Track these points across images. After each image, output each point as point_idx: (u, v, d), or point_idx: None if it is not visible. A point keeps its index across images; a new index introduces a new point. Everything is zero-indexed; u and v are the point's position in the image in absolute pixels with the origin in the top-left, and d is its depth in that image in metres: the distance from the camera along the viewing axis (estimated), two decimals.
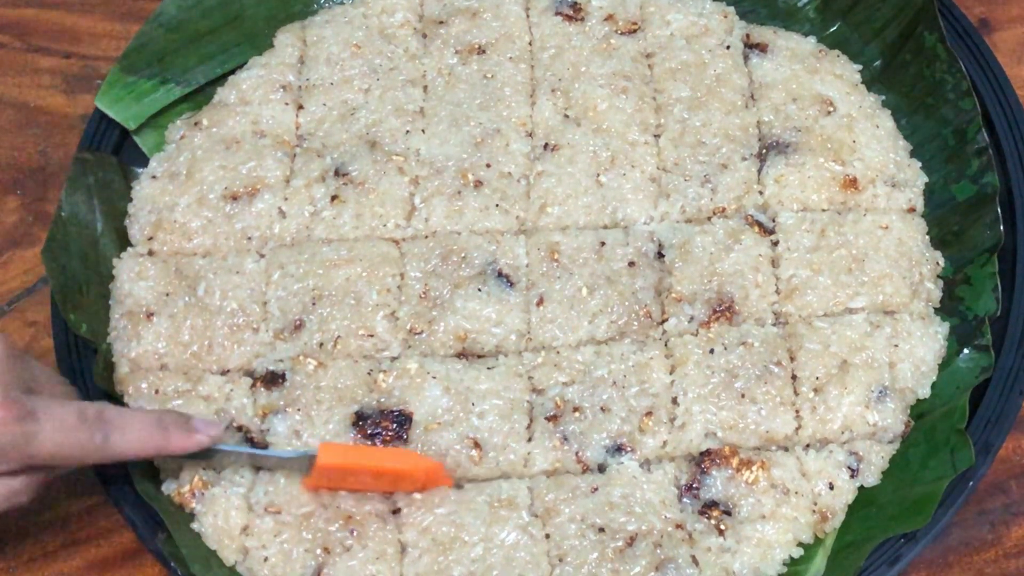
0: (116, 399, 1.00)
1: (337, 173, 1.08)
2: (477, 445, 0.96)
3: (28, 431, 0.82)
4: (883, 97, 1.15)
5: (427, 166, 1.09)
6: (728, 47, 1.15)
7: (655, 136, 1.11)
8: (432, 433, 0.96)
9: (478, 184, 1.08)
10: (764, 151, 1.09)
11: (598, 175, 1.08)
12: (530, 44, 1.16)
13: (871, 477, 0.96)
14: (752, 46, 1.15)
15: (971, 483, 0.92)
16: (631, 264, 1.04)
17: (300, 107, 1.13)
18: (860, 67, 1.16)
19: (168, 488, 0.95)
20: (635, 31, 1.16)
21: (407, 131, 1.10)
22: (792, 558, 0.93)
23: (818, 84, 1.13)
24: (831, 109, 1.11)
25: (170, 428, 0.89)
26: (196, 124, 1.12)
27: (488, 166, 1.08)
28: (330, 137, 1.10)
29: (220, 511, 0.94)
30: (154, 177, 1.10)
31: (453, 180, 1.08)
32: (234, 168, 1.09)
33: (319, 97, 1.13)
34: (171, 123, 1.13)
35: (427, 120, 1.12)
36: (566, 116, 1.11)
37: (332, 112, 1.12)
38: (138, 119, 1.12)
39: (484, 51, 1.15)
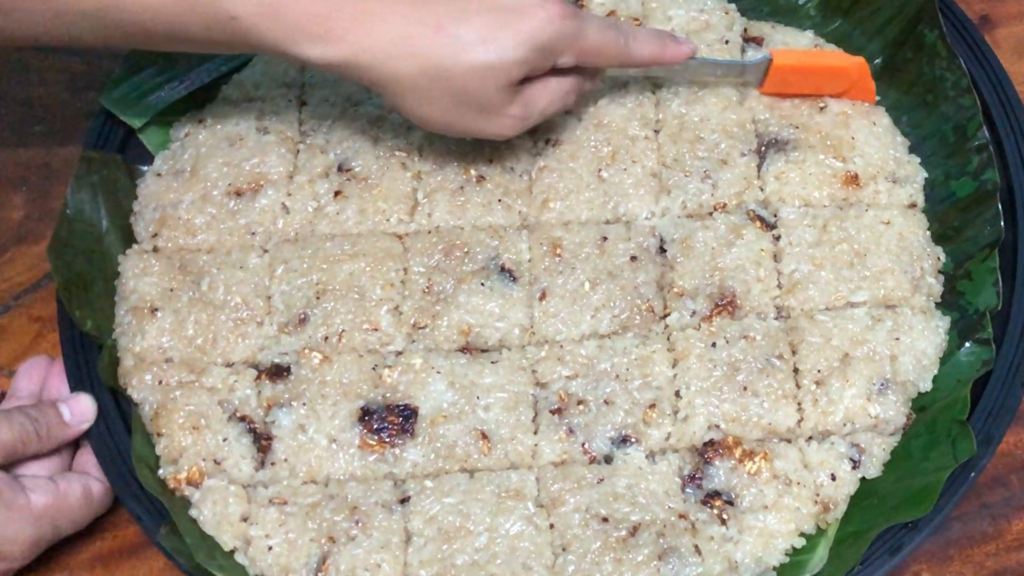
0: (121, 394, 1.01)
1: (340, 169, 1.10)
2: (485, 437, 0.98)
3: (578, 25, 0.97)
4: (877, 97, 1.16)
5: (429, 161, 1.11)
6: (727, 42, 1.17)
7: (655, 131, 1.12)
8: (439, 426, 0.98)
9: (480, 179, 1.10)
10: (763, 148, 1.11)
11: (599, 170, 1.10)
12: None
13: (873, 468, 0.98)
14: (749, 40, 1.18)
15: (972, 474, 0.94)
16: (633, 259, 1.06)
17: (303, 103, 1.15)
18: None
19: (165, 472, 0.97)
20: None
21: (409, 127, 1.12)
22: (794, 548, 0.95)
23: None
24: (823, 106, 1.13)
25: (666, 39, 1.05)
26: (200, 122, 1.14)
27: (490, 161, 1.10)
28: (333, 133, 1.13)
29: (218, 499, 0.96)
30: (159, 175, 1.12)
31: (456, 175, 1.10)
32: (238, 164, 1.11)
33: (321, 92, 1.15)
34: (176, 121, 1.15)
35: None
36: (567, 111, 1.13)
37: (335, 108, 1.14)
38: (143, 117, 1.15)
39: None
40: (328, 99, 1.15)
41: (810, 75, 1.12)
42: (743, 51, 1.17)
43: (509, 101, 0.97)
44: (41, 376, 1.04)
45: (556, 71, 0.99)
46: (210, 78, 1.17)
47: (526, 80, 0.98)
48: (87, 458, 1.01)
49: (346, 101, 1.15)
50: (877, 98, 1.16)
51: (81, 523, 0.99)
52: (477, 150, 1.11)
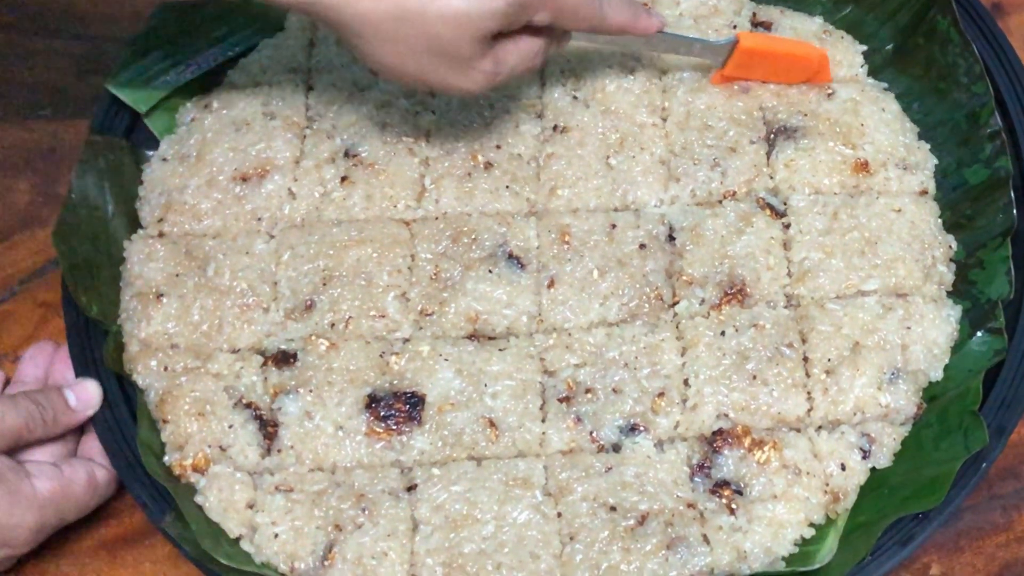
0: (125, 379, 1.01)
1: (347, 154, 1.10)
2: (492, 425, 0.97)
3: None
4: (884, 84, 1.16)
5: (437, 147, 1.10)
6: (735, 27, 1.16)
7: (662, 119, 1.12)
8: (446, 414, 0.98)
9: (488, 166, 1.09)
10: (772, 136, 1.11)
11: (608, 157, 1.10)
12: None
13: (883, 458, 0.97)
14: (758, 24, 1.17)
15: (984, 465, 0.93)
16: (642, 247, 1.05)
17: (310, 88, 1.14)
18: (866, 48, 1.18)
19: (171, 458, 0.97)
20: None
21: (417, 112, 1.12)
22: (803, 538, 0.95)
23: None
24: (831, 92, 1.12)
25: (638, 9, 1.03)
26: (206, 107, 1.14)
27: (498, 147, 1.10)
28: (340, 118, 1.12)
29: (224, 486, 0.95)
30: (164, 160, 1.11)
31: (463, 161, 1.09)
32: (244, 149, 1.10)
33: (328, 78, 1.14)
34: (182, 106, 1.15)
35: (436, 101, 1.13)
36: (575, 97, 1.12)
37: (342, 93, 1.13)
38: (148, 102, 1.14)
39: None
40: (335, 84, 1.14)
41: (772, 61, 1.12)
42: None
43: (480, 54, 0.93)
44: (46, 361, 1.04)
45: (529, 29, 0.96)
46: (216, 63, 1.17)
47: (499, 35, 0.94)
48: (92, 444, 1.00)
49: (353, 86, 1.14)
50: (884, 85, 1.15)
51: (85, 510, 0.98)
52: (484, 136, 1.10)
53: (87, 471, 0.98)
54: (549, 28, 0.98)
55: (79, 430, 1.01)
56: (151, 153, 1.13)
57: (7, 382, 1.05)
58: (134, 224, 1.09)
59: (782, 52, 1.12)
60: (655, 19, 1.05)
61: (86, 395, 0.99)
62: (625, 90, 1.13)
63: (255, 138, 1.11)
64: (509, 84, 1.02)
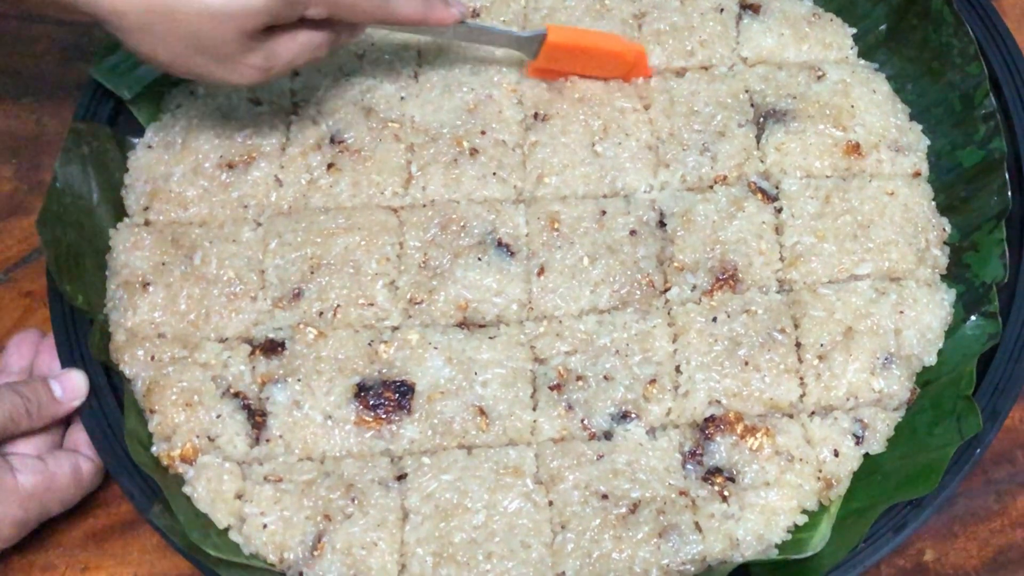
0: (112, 369, 1.00)
1: (333, 141, 1.10)
2: (483, 413, 0.97)
3: None
4: (875, 65, 1.16)
5: (422, 133, 1.10)
6: (722, 11, 1.16)
7: (643, 106, 1.11)
8: (436, 402, 0.98)
9: (474, 152, 1.09)
10: (761, 119, 1.10)
11: (593, 144, 1.10)
12: (524, 6, 1.17)
13: (876, 444, 0.97)
14: (746, 7, 1.17)
15: (978, 450, 0.93)
16: (632, 233, 1.05)
17: (296, 74, 1.14)
18: (855, 31, 1.18)
19: (159, 448, 0.97)
20: None
21: (401, 97, 1.11)
22: (796, 525, 0.95)
23: (803, 53, 1.15)
24: (821, 74, 1.12)
25: (433, 1, 1.02)
26: (192, 93, 1.13)
27: (483, 133, 1.10)
28: (325, 104, 1.12)
29: (213, 476, 0.95)
30: (150, 147, 1.11)
31: (449, 148, 1.09)
32: (230, 137, 1.10)
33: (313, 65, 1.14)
34: (167, 93, 1.14)
35: (420, 86, 1.13)
36: (546, 86, 1.13)
37: (326, 79, 1.13)
38: (133, 89, 1.13)
39: (478, 14, 1.17)
40: (320, 69, 1.14)
41: (585, 56, 1.11)
42: (739, 18, 1.16)
43: (248, 50, 0.92)
44: (31, 351, 1.04)
45: (308, 23, 0.95)
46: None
47: (272, 29, 0.93)
48: (78, 435, 1.00)
49: (338, 71, 1.14)
50: (875, 65, 1.15)
51: (70, 503, 0.98)
52: (468, 122, 1.10)
53: (72, 464, 0.97)
54: (330, 21, 0.96)
55: (65, 421, 1.01)
56: (136, 140, 1.13)
57: None
58: (119, 212, 1.09)
59: (592, 47, 1.11)
60: (454, 9, 1.03)
61: (72, 386, 0.98)
62: (590, 79, 1.14)
63: (241, 125, 1.11)
64: (285, 75, 1.00)
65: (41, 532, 1.00)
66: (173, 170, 1.09)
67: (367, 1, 0.96)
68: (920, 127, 1.12)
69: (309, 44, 0.96)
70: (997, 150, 1.07)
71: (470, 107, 1.11)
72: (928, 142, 1.11)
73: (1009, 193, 1.05)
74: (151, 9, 0.88)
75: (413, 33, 1.08)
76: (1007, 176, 1.05)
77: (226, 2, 0.87)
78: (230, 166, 1.08)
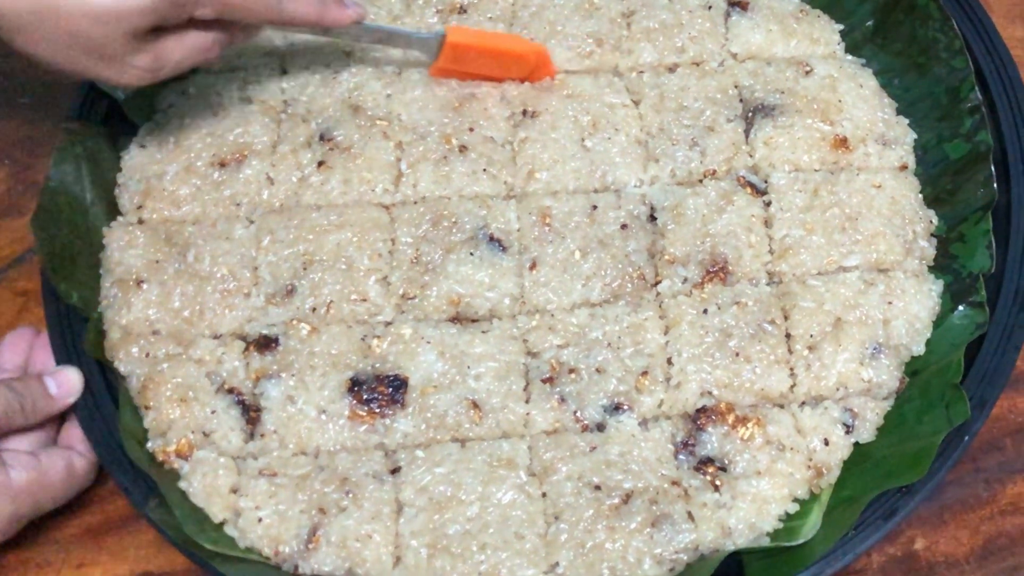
0: (107, 366, 1.01)
1: (323, 138, 1.11)
2: (476, 406, 0.98)
3: None
4: (862, 60, 1.18)
5: (410, 131, 1.11)
6: (710, 7, 1.17)
7: (633, 101, 1.13)
8: (429, 396, 0.99)
9: (463, 149, 1.10)
10: (749, 114, 1.12)
11: (583, 140, 1.11)
12: (513, 3, 1.19)
13: (866, 433, 0.99)
14: (734, 4, 1.19)
15: (967, 437, 0.95)
16: (623, 227, 1.06)
17: (284, 71, 1.15)
18: (842, 27, 1.20)
19: (154, 444, 0.98)
20: None
21: (388, 95, 1.13)
22: (788, 513, 0.96)
23: (792, 49, 1.17)
24: (808, 69, 1.14)
25: (328, 1, 1.02)
26: (183, 92, 1.14)
27: (471, 130, 1.11)
28: (314, 102, 1.13)
29: (208, 470, 0.96)
30: (143, 146, 1.12)
31: (437, 145, 1.10)
32: (221, 135, 1.11)
33: (302, 60, 1.15)
34: (158, 92, 1.15)
35: (403, 83, 1.14)
36: (524, 79, 1.15)
37: (315, 76, 1.14)
38: (127, 89, 1.14)
39: (465, 10, 1.18)
40: (308, 67, 1.15)
41: (486, 56, 1.12)
42: (727, 15, 1.18)
43: (135, 51, 0.91)
44: (26, 348, 1.05)
45: (197, 23, 0.94)
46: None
47: (160, 30, 0.92)
48: (73, 432, 1.01)
49: (326, 68, 1.15)
50: (862, 60, 1.17)
51: (63, 499, 0.99)
52: (455, 120, 1.11)
53: (65, 460, 0.98)
54: (220, 21, 0.96)
55: (59, 418, 1.02)
56: (130, 140, 1.13)
57: None
58: (113, 211, 1.10)
59: (493, 48, 1.12)
60: (350, 10, 1.04)
61: (67, 383, 0.99)
62: (580, 75, 1.15)
63: (232, 123, 1.12)
64: (175, 75, 0.98)
65: (36, 528, 1.01)
66: (166, 169, 1.10)
67: (257, 2, 0.96)
68: (907, 121, 1.13)
69: (198, 45, 0.96)
70: (983, 143, 1.09)
71: (455, 105, 1.13)
72: (915, 135, 1.13)
73: (995, 185, 1.06)
74: (36, 10, 0.87)
75: (310, 34, 1.08)
76: (992, 168, 1.07)
77: (111, 3, 0.87)
78: (222, 164, 1.10)
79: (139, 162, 1.11)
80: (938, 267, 1.07)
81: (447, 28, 1.11)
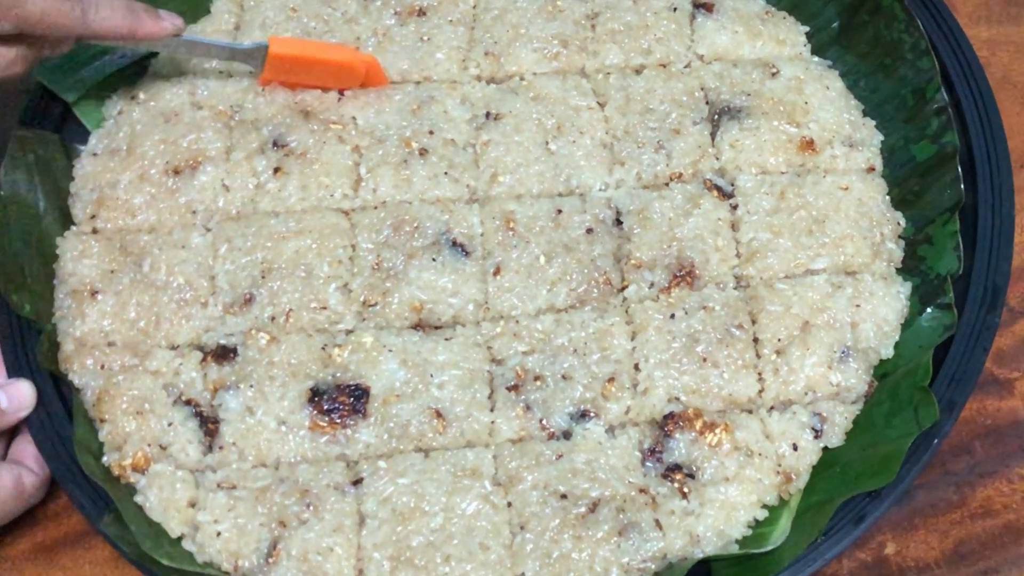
0: (61, 379, 1.00)
1: (276, 144, 1.10)
2: (439, 415, 0.98)
3: None
4: (828, 61, 1.18)
5: (367, 135, 1.11)
6: (675, 9, 1.17)
7: (599, 103, 1.13)
8: (391, 406, 0.98)
9: (423, 152, 1.09)
10: (716, 116, 1.12)
11: (547, 143, 1.11)
12: (474, 7, 1.18)
13: (835, 437, 0.99)
14: (699, 6, 1.19)
15: (936, 440, 0.95)
16: (589, 231, 1.06)
17: (230, 75, 1.14)
18: (808, 29, 1.20)
19: (110, 458, 0.97)
20: None
21: (338, 99, 1.12)
22: (756, 520, 0.96)
23: (758, 50, 1.17)
24: (775, 71, 1.14)
25: (141, 13, 1.01)
26: (133, 98, 1.14)
27: (431, 133, 1.11)
28: (260, 109, 1.12)
29: (165, 484, 0.95)
30: (95, 154, 1.11)
31: (397, 149, 1.10)
32: (174, 142, 1.10)
33: (243, 66, 1.15)
34: (107, 98, 1.14)
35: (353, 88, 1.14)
36: (491, 81, 1.14)
37: (252, 85, 1.14)
38: (77, 91, 1.14)
39: (424, 13, 1.18)
40: (252, 71, 1.14)
41: (313, 67, 1.12)
42: (692, 17, 1.18)
43: None
44: None
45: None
46: (146, 51, 1.15)
47: None
48: (23, 448, 1.00)
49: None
50: (828, 62, 1.17)
51: (10, 516, 0.98)
52: (414, 123, 1.11)
53: (14, 477, 0.97)
54: (24, 36, 0.95)
55: (9, 432, 1.00)
56: (82, 147, 1.12)
57: None
58: (67, 220, 1.09)
59: (319, 59, 1.12)
60: (165, 23, 1.03)
61: (19, 396, 0.98)
62: (548, 76, 1.15)
63: (185, 130, 1.11)
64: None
65: None
66: (119, 177, 1.09)
67: (61, 16, 0.95)
68: (873, 123, 1.14)
69: (2, 62, 0.95)
70: (949, 144, 1.09)
71: (412, 108, 1.12)
72: (881, 137, 1.13)
73: (962, 186, 1.06)
74: None
75: (125, 46, 1.07)
76: (959, 169, 1.07)
77: None
78: (176, 172, 1.09)
79: (91, 171, 1.10)
80: (906, 269, 1.07)
81: (270, 39, 1.11)
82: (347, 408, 0.98)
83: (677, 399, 0.99)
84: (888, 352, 1.02)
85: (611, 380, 1.00)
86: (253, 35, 1.17)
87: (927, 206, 1.09)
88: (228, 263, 1.04)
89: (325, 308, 1.03)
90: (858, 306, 1.02)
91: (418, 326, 1.03)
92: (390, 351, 1.01)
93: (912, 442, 0.94)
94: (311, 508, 0.94)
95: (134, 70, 1.16)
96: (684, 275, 1.04)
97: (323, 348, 1.01)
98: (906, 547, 1.02)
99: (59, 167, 1.11)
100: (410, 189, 1.08)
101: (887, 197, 1.10)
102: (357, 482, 0.96)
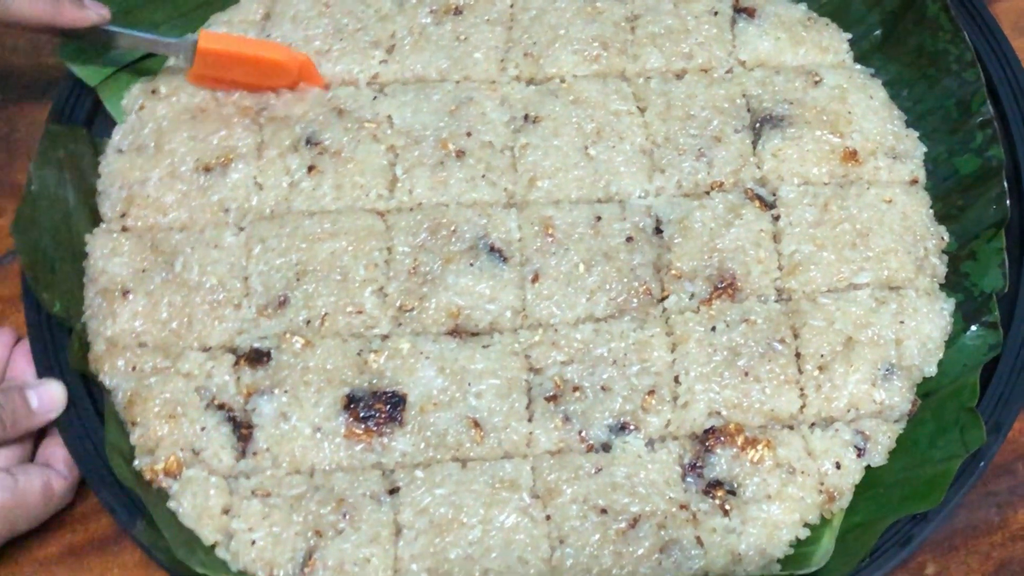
0: (91, 379, 0.99)
1: (309, 142, 1.09)
2: (477, 425, 0.97)
3: None
4: (872, 70, 1.17)
5: (403, 135, 1.10)
6: (716, 13, 1.16)
7: (639, 108, 1.12)
8: (428, 414, 0.97)
9: (460, 154, 1.09)
10: (758, 124, 1.11)
11: (586, 147, 1.10)
12: (512, 6, 1.17)
13: (878, 456, 0.98)
14: (741, 10, 1.18)
15: (982, 463, 0.95)
16: (629, 239, 1.05)
17: None
18: (851, 36, 1.19)
19: (141, 462, 0.96)
20: None
21: (374, 97, 1.11)
22: (799, 539, 0.95)
23: (800, 57, 1.16)
24: (818, 79, 1.13)
25: (63, 1, 1.00)
26: (153, 92, 1.12)
27: (468, 135, 1.10)
28: (289, 106, 1.11)
29: (199, 490, 0.95)
30: (120, 151, 1.10)
31: (433, 150, 1.09)
32: (204, 139, 1.09)
33: None
34: (127, 91, 1.13)
35: (388, 86, 1.14)
36: (530, 83, 1.13)
37: None
38: (100, 75, 1.12)
39: (460, 12, 1.17)
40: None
41: (244, 64, 1.10)
42: (734, 22, 1.17)
43: None
44: (4, 352, 1.02)
45: None
46: (173, 38, 1.13)
47: None
48: (52, 450, 0.99)
49: None
50: (871, 70, 1.16)
51: (38, 520, 0.97)
52: (451, 124, 1.10)
53: (43, 480, 0.96)
54: None
55: (38, 433, 0.99)
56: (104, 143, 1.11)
57: None
58: (97, 217, 1.08)
59: (249, 56, 1.10)
60: (89, 12, 1.02)
61: (49, 397, 0.97)
62: (588, 79, 1.14)
63: (213, 126, 1.10)
64: None
65: (16, 548, 0.99)
66: (149, 175, 1.08)
67: None
68: (917, 134, 1.13)
69: None
70: (995, 158, 1.08)
71: (450, 108, 1.11)
72: (925, 149, 1.12)
73: (1007, 202, 1.06)
74: None
75: (50, 34, 1.06)
76: (1005, 185, 1.07)
77: None
78: (207, 169, 1.08)
79: (119, 168, 1.09)
80: (948, 285, 1.06)
81: (200, 33, 1.09)
82: (383, 416, 0.98)
83: (718, 413, 0.98)
84: (932, 370, 1.02)
85: (651, 392, 0.99)
86: (283, 27, 1.15)
87: (971, 221, 1.08)
88: (262, 264, 1.04)
89: (361, 312, 1.02)
90: (902, 322, 1.02)
91: (455, 332, 1.02)
92: (427, 358, 1.00)
93: (959, 465, 0.93)
94: (347, 517, 0.93)
95: (155, 61, 1.15)
96: (725, 287, 1.03)
97: (359, 353, 1.00)
98: (946, 568, 1.02)
99: (88, 163, 1.10)
100: (447, 191, 1.07)
101: (930, 211, 1.09)
102: (393, 491, 0.95)
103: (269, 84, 1.12)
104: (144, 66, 1.14)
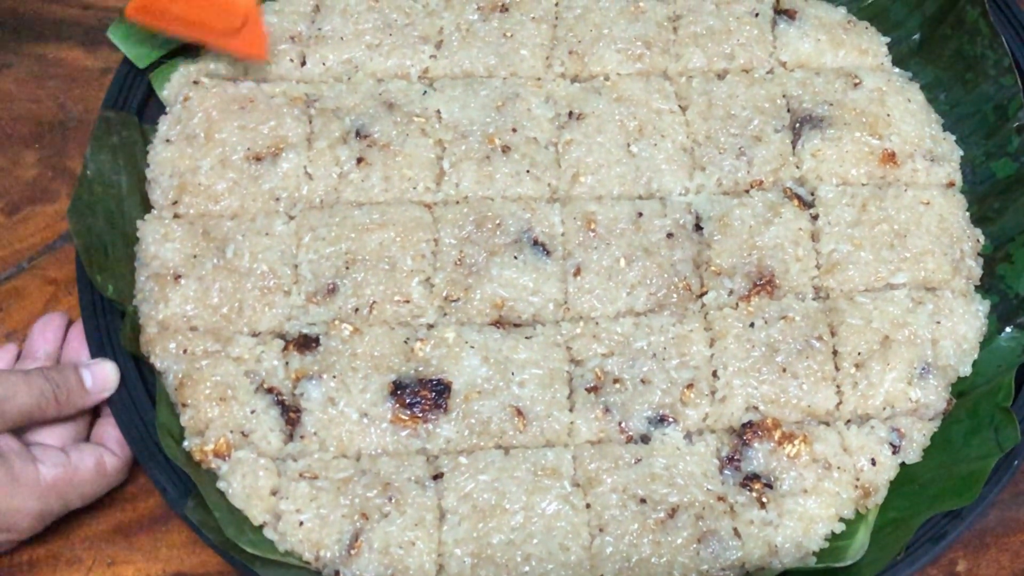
0: (143, 361, 1.01)
1: (359, 135, 1.11)
2: (520, 413, 0.99)
3: None
4: (910, 73, 1.18)
5: (451, 130, 1.12)
6: (757, 15, 1.18)
7: (681, 107, 1.13)
8: (473, 402, 0.99)
9: (506, 149, 1.10)
10: (797, 124, 1.12)
11: (628, 144, 1.11)
12: (556, 4, 1.19)
13: (912, 454, 1.00)
14: (781, 12, 1.19)
15: (1016, 462, 0.96)
16: (669, 236, 1.07)
17: (303, 63, 1.16)
18: (889, 39, 1.21)
19: (191, 443, 0.98)
20: None
21: (424, 92, 1.13)
22: (834, 533, 0.97)
23: (840, 59, 1.17)
24: (858, 82, 1.14)
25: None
26: (196, 83, 1.14)
27: (514, 131, 1.12)
28: (340, 98, 1.13)
29: (248, 471, 0.97)
30: (168, 140, 1.12)
31: (480, 144, 1.11)
32: (254, 128, 1.11)
33: (322, 52, 1.16)
34: (166, 80, 1.15)
35: (440, 81, 1.15)
36: (575, 80, 1.15)
37: (330, 71, 1.15)
38: (149, 57, 1.15)
39: (507, 9, 1.18)
40: (324, 62, 1.16)
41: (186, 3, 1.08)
42: (774, 23, 1.19)
43: None
44: (57, 336, 1.04)
45: None
46: None
47: None
48: (105, 429, 1.01)
49: (345, 64, 1.16)
50: (909, 74, 1.17)
51: (91, 498, 0.99)
52: (498, 120, 1.12)
53: (95, 458, 0.98)
54: None
55: (92, 412, 1.02)
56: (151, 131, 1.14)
57: (19, 356, 1.05)
58: (146, 203, 1.10)
59: None
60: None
61: (103, 376, 0.99)
62: (631, 77, 1.16)
63: (263, 116, 1.12)
64: None
65: (66, 524, 1.01)
66: (200, 163, 1.10)
67: None
68: (953, 137, 1.14)
69: None
70: None
71: (497, 104, 1.13)
72: (961, 152, 1.14)
73: None
74: None
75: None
76: None
77: None
78: (257, 158, 1.10)
79: (168, 156, 1.11)
80: (984, 287, 1.08)
81: None
82: (429, 403, 1.00)
83: (756, 408, 1.00)
84: (966, 370, 1.03)
85: (690, 386, 1.01)
86: (333, 21, 1.17)
87: (1007, 224, 1.09)
88: (311, 252, 1.06)
89: (408, 301, 1.04)
90: (939, 323, 1.03)
91: (499, 323, 1.04)
92: (472, 347, 1.02)
93: (995, 463, 0.95)
94: (393, 501, 0.95)
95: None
96: (764, 284, 1.05)
97: (405, 342, 1.02)
98: (977, 565, 1.03)
99: (140, 150, 1.12)
100: (492, 186, 1.09)
101: (967, 213, 1.10)
102: (437, 476, 0.97)
103: (210, 27, 1.09)
104: (193, 51, 1.16)
